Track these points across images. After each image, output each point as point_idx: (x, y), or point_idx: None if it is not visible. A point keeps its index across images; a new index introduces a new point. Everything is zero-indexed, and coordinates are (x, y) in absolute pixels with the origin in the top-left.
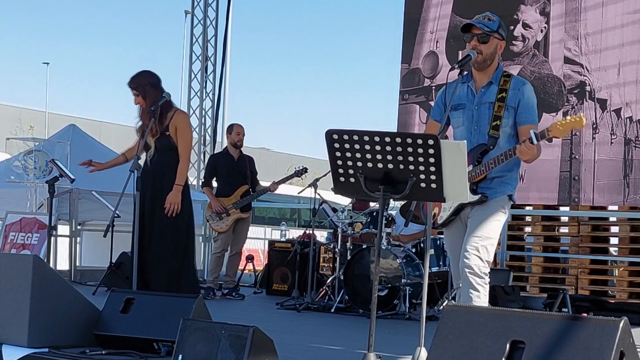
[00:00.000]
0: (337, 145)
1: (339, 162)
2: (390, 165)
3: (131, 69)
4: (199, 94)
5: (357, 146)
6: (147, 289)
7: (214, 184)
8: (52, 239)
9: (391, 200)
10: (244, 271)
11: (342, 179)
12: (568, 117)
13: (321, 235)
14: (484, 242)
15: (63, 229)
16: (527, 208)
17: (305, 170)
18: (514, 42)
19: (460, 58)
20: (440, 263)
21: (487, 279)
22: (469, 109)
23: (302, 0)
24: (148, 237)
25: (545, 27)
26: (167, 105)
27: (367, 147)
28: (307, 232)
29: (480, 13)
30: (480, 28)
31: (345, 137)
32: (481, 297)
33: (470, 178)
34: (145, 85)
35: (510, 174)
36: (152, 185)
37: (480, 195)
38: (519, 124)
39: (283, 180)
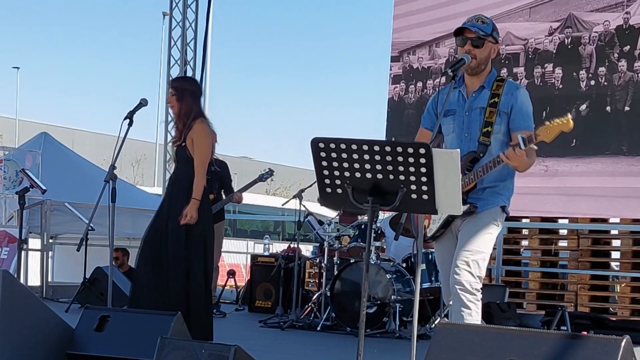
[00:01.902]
0: (323, 154)
1: (326, 172)
2: (379, 176)
3: (106, 74)
4: None
5: (344, 155)
6: (151, 306)
7: None
8: (23, 253)
9: (380, 212)
10: (225, 287)
11: (328, 189)
12: (556, 120)
13: (306, 249)
14: (475, 257)
15: (34, 243)
16: (524, 220)
17: (270, 173)
18: None
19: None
20: (432, 279)
21: (479, 295)
22: (459, 115)
23: (288, 3)
24: (157, 254)
25: None
26: (198, 115)
27: (355, 156)
28: (292, 245)
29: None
30: (474, 31)
31: (332, 145)
32: (473, 315)
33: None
34: (185, 90)
35: (504, 184)
36: (169, 199)
37: (468, 205)
38: (512, 130)
39: (247, 187)
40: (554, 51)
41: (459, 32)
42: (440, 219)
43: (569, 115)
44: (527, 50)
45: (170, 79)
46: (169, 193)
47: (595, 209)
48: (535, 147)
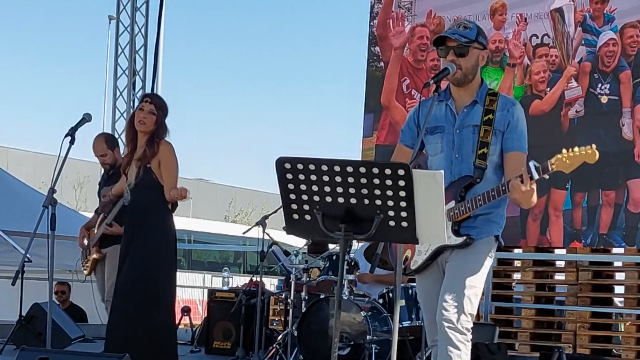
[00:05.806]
0: (289, 175)
1: (292, 196)
2: (353, 200)
3: (44, 86)
4: (125, 114)
5: (313, 177)
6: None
7: None
8: None
9: (354, 241)
10: (179, 326)
11: (295, 216)
12: (577, 149)
13: (271, 284)
14: (467, 292)
15: None
16: (516, 251)
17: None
18: None
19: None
20: (413, 316)
21: (470, 336)
22: (448, 133)
23: (250, 7)
24: (118, 285)
25: None
26: (162, 135)
27: (326, 178)
28: (254, 279)
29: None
30: (456, 39)
31: (300, 166)
32: (462, 357)
33: (452, 217)
34: (165, 113)
35: (497, 211)
36: (131, 225)
37: (465, 238)
38: (506, 150)
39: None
40: (552, 63)
41: (439, 42)
42: (427, 250)
43: (594, 146)
44: (523, 63)
45: (147, 93)
46: (131, 223)
47: None
48: (547, 177)
